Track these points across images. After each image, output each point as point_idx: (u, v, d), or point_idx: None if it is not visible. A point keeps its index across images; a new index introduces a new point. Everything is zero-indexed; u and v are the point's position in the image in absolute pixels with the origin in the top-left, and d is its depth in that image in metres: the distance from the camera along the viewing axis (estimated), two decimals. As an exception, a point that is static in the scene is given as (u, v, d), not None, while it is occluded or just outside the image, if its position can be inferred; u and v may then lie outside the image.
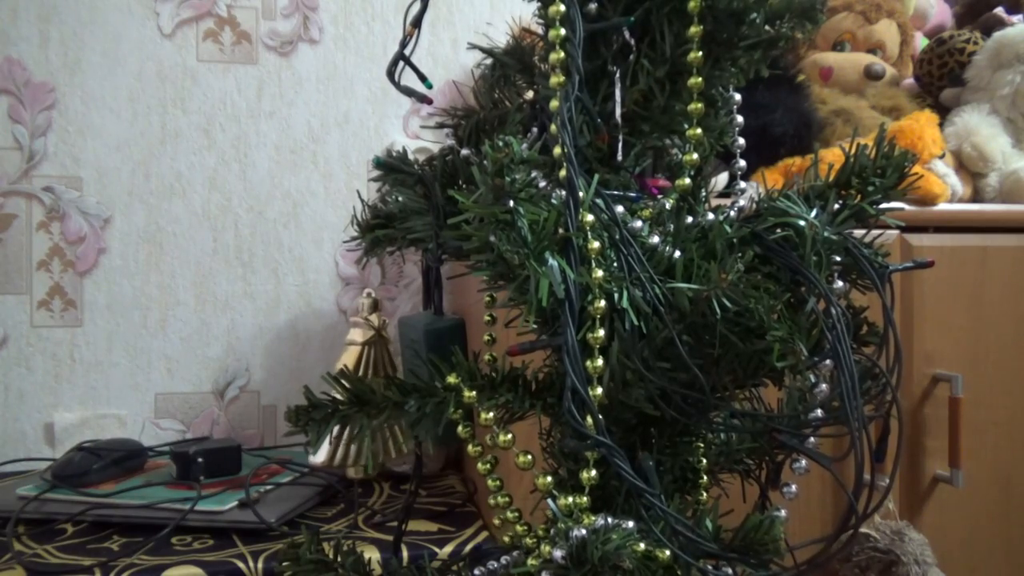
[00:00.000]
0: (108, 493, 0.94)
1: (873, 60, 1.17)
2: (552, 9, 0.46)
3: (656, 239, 0.47)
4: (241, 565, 0.80)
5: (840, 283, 0.49)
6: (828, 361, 0.46)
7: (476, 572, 0.55)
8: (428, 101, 0.60)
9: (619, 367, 0.44)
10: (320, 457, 0.98)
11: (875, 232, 0.52)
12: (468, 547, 0.86)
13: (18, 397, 1.19)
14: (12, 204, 1.19)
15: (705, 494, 0.56)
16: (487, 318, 0.57)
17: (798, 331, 0.44)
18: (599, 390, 0.44)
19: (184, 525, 0.87)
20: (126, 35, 1.22)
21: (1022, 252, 0.98)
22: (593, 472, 0.46)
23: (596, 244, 0.43)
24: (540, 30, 0.54)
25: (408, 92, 0.58)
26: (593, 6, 0.50)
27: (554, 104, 0.46)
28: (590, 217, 0.44)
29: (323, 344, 1.29)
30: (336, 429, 0.53)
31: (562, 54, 0.46)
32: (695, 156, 0.52)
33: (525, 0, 0.53)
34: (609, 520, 0.43)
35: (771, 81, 0.91)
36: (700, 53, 0.49)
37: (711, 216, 0.52)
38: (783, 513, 0.49)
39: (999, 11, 1.26)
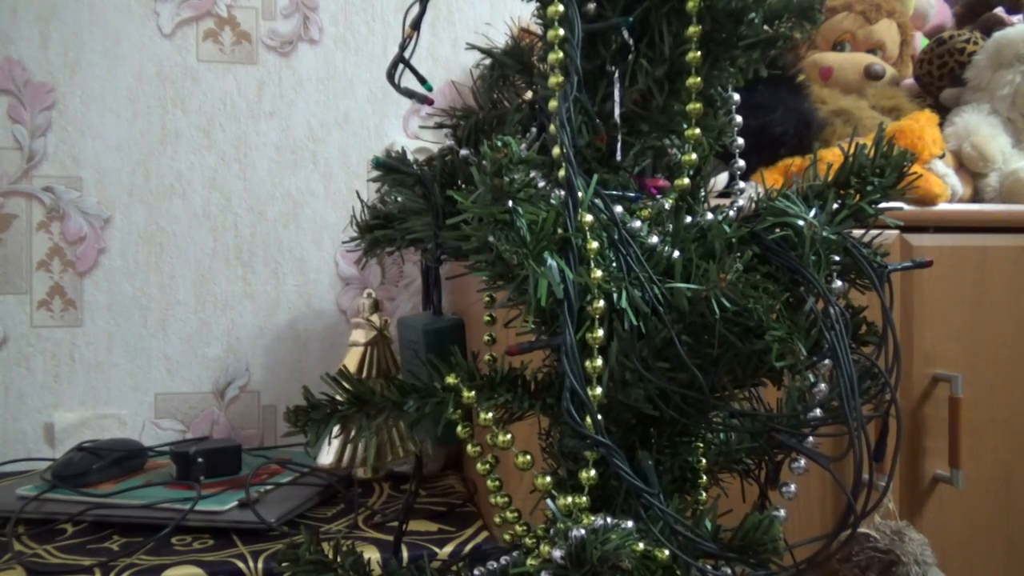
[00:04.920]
0: (108, 493, 0.94)
1: (873, 60, 1.17)
2: (551, 9, 0.46)
3: (655, 239, 0.47)
4: (241, 565, 0.80)
5: (839, 283, 0.49)
6: (827, 361, 0.46)
7: (476, 572, 0.55)
8: (429, 102, 0.60)
9: (618, 367, 0.45)
10: (328, 458, 0.98)
11: (874, 232, 0.52)
12: (468, 547, 0.86)
13: (18, 397, 1.19)
14: (12, 204, 1.20)
15: (704, 494, 0.56)
16: (486, 318, 0.57)
17: (797, 331, 0.44)
18: (598, 390, 0.44)
19: (184, 525, 0.87)
20: (126, 35, 1.22)
21: (1022, 252, 0.98)
22: (592, 472, 0.46)
23: (595, 244, 0.43)
24: (539, 30, 0.54)
25: (408, 94, 0.58)
26: (592, 6, 0.50)
27: (553, 104, 0.46)
28: (589, 217, 0.44)
29: (323, 344, 1.29)
30: (336, 430, 0.53)
31: (561, 54, 0.46)
32: (694, 156, 0.52)
33: (524, 0, 0.53)
34: (608, 520, 0.43)
35: (771, 81, 0.91)
36: (699, 53, 0.49)
37: (710, 216, 0.52)
38: (782, 513, 0.49)
39: (999, 11, 1.26)
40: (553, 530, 0.44)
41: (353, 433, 0.52)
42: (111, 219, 1.22)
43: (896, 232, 0.93)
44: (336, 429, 0.53)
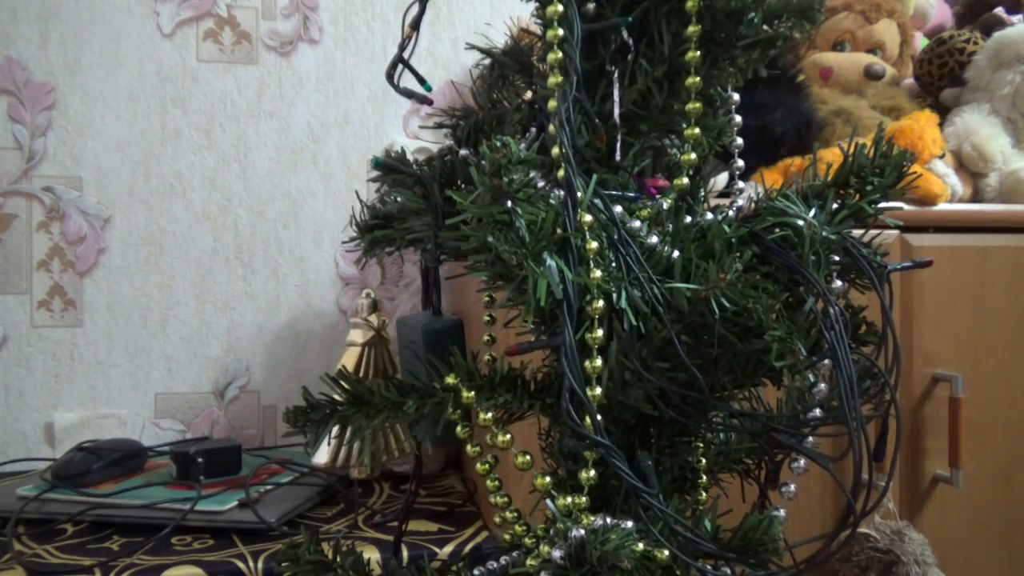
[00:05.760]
0: (108, 493, 0.94)
1: (873, 60, 1.17)
2: (550, 9, 0.46)
3: (655, 239, 0.47)
4: (241, 565, 0.80)
5: (839, 283, 0.49)
6: (827, 361, 0.46)
7: (476, 572, 0.55)
8: (429, 102, 0.59)
9: (618, 367, 0.44)
10: (323, 458, 0.98)
11: (874, 232, 0.52)
12: (468, 547, 0.86)
13: (18, 397, 1.19)
14: (12, 204, 1.20)
15: (704, 494, 0.56)
16: (486, 318, 0.57)
17: (797, 331, 0.44)
18: (598, 390, 0.44)
19: (184, 525, 0.87)
20: (126, 35, 1.22)
21: (1022, 252, 0.98)
22: (592, 472, 0.46)
23: (594, 244, 0.43)
24: (538, 30, 0.54)
25: (408, 94, 0.58)
26: (591, 6, 0.50)
27: (552, 104, 0.46)
28: (588, 217, 0.44)
29: (323, 344, 1.29)
30: (336, 430, 0.53)
31: (560, 54, 0.46)
32: (693, 156, 0.52)
33: (524, 0, 0.53)
34: (608, 520, 0.43)
35: (771, 81, 0.91)
36: (698, 53, 0.49)
37: (710, 216, 0.52)
38: (782, 513, 0.49)
39: (999, 11, 1.26)
40: (553, 530, 0.44)
41: (352, 433, 0.52)
42: (111, 219, 1.22)
43: (896, 232, 0.93)
44: (336, 429, 0.53)
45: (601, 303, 0.43)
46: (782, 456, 0.56)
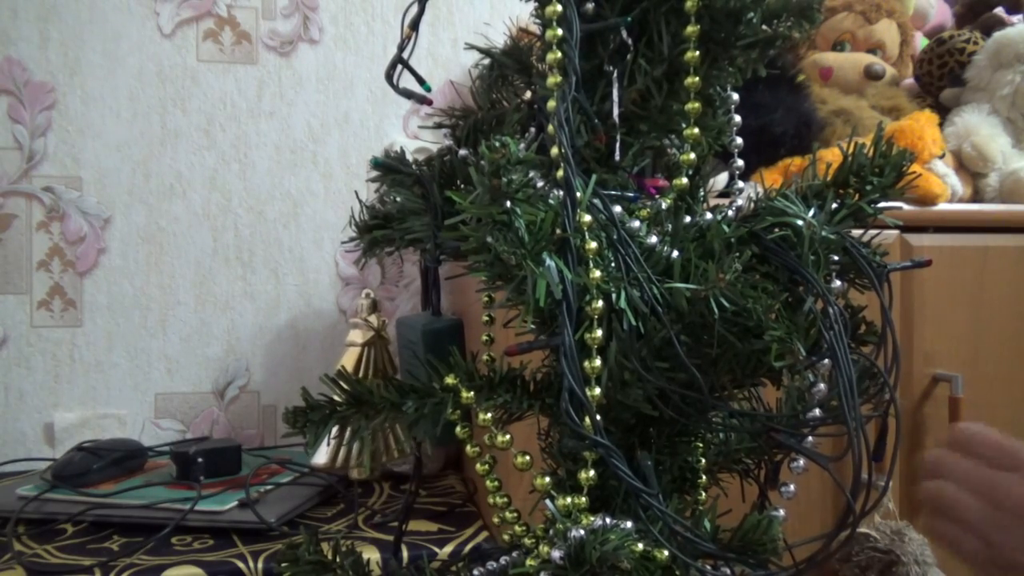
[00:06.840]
0: (108, 493, 0.94)
1: (873, 60, 1.17)
2: (549, 9, 0.46)
3: (654, 239, 0.47)
4: (241, 565, 0.80)
5: (838, 282, 0.49)
6: (826, 361, 0.46)
7: (476, 572, 0.55)
8: (428, 102, 0.59)
9: (617, 367, 0.44)
10: (322, 458, 0.98)
11: (874, 232, 0.52)
12: (468, 547, 0.86)
13: (18, 397, 1.19)
14: (12, 204, 1.20)
15: (704, 494, 0.56)
16: (485, 318, 0.57)
17: (796, 331, 0.44)
18: (597, 390, 0.44)
19: (184, 525, 0.87)
20: (126, 35, 1.22)
21: (1022, 252, 0.98)
22: (591, 472, 0.46)
23: (594, 244, 0.43)
24: (538, 30, 0.54)
25: (407, 95, 0.58)
26: (590, 6, 0.50)
27: (551, 104, 0.46)
28: (588, 217, 0.43)
29: (323, 344, 1.29)
30: (335, 430, 0.53)
31: (559, 54, 0.46)
32: (693, 156, 0.52)
33: (523, 0, 0.53)
34: (607, 520, 0.43)
35: (771, 81, 0.91)
36: (697, 52, 0.49)
37: (709, 216, 0.52)
38: (782, 513, 0.49)
39: (999, 11, 1.26)
40: (552, 530, 0.44)
41: (351, 434, 0.52)
42: (111, 219, 1.22)
43: (896, 232, 0.93)
44: (335, 430, 0.53)
45: (600, 303, 0.43)
46: (782, 456, 0.56)
